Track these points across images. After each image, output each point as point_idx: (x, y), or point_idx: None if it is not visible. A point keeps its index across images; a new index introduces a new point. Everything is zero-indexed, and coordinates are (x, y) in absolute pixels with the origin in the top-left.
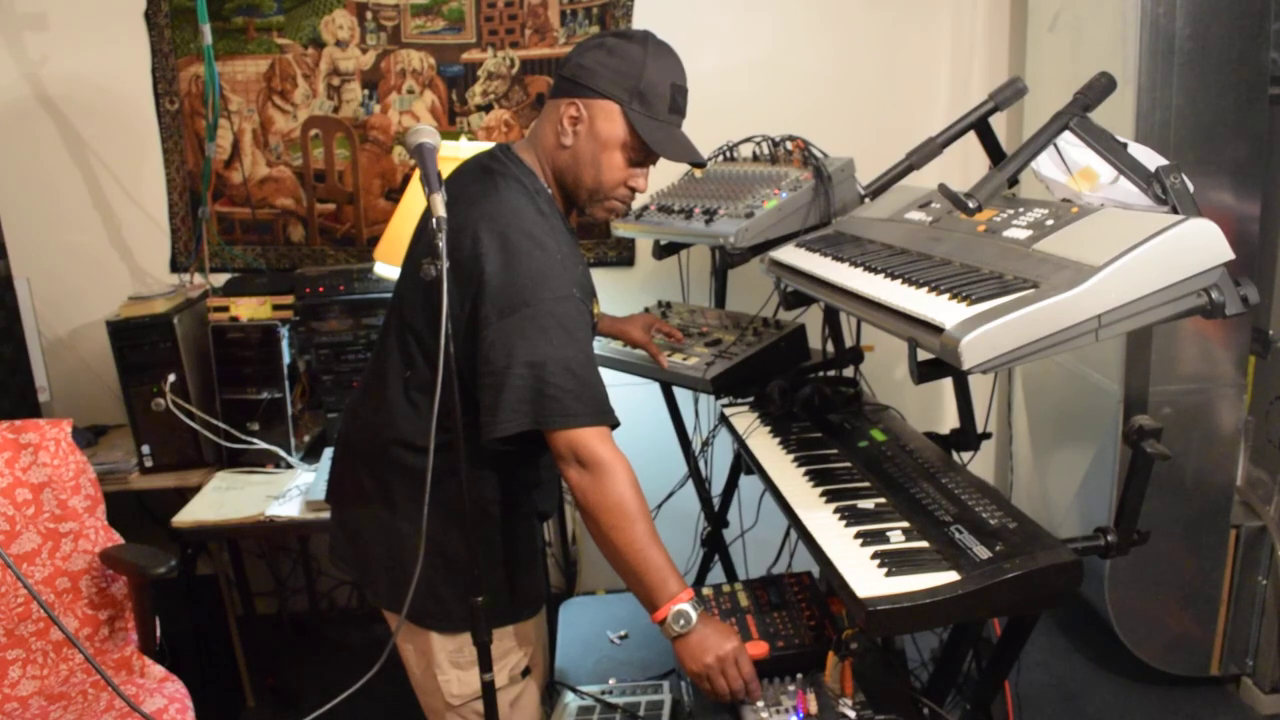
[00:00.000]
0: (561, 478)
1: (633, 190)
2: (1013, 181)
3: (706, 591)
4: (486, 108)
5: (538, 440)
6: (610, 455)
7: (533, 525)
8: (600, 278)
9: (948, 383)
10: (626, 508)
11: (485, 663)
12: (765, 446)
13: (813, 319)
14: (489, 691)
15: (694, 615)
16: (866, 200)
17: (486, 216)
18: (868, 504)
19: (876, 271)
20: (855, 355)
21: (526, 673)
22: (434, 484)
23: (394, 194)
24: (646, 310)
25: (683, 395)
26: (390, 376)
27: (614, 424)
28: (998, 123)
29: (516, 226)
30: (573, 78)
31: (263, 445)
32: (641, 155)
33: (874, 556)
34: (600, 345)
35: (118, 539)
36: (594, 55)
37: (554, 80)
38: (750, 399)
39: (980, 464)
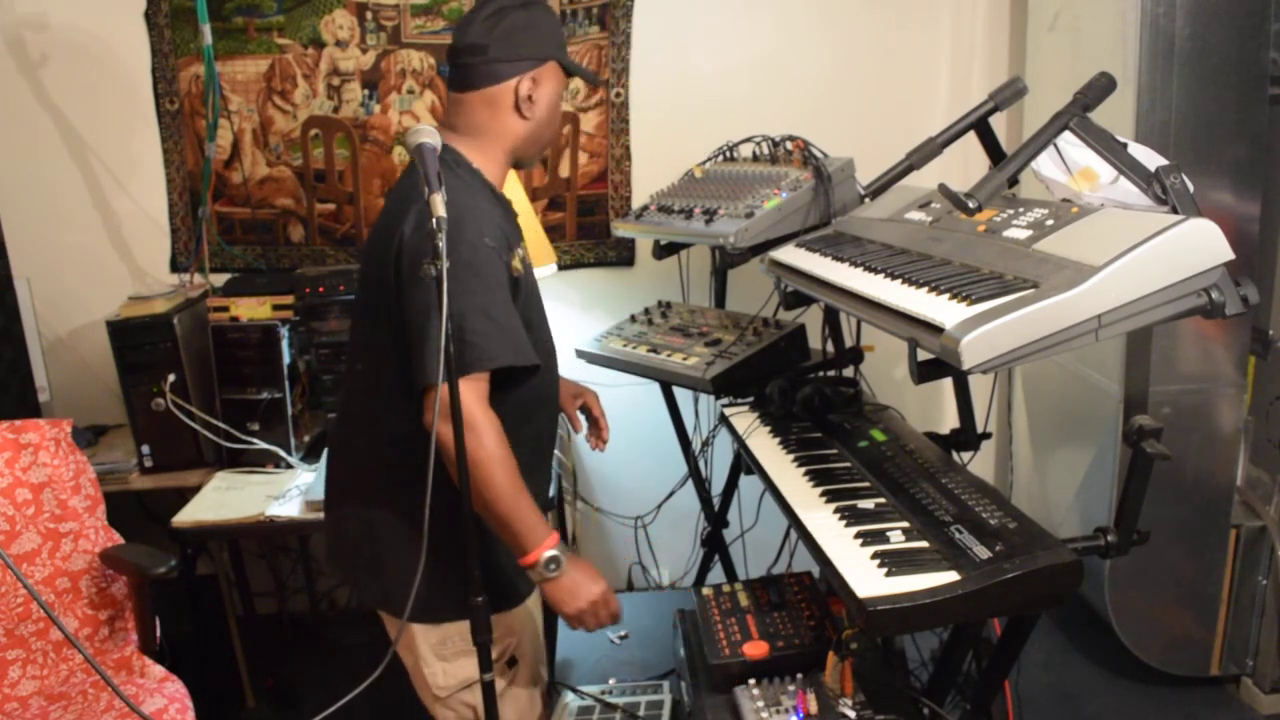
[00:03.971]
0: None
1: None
2: (1013, 181)
3: (706, 591)
4: None
5: (507, 418)
6: (480, 409)
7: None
8: (600, 278)
9: (948, 383)
10: (504, 459)
11: (485, 663)
12: (765, 446)
13: (813, 319)
14: (489, 692)
15: (564, 559)
16: (866, 200)
17: (411, 198)
18: (868, 504)
19: (876, 271)
20: (855, 355)
21: (513, 663)
22: (408, 477)
23: None
24: (646, 310)
25: (683, 395)
26: (353, 372)
27: (529, 363)
28: (998, 123)
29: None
30: (504, 59)
31: (263, 445)
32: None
33: (874, 556)
34: (596, 344)
35: (118, 539)
36: (510, 31)
37: (464, 71)
38: (750, 399)
39: (980, 464)
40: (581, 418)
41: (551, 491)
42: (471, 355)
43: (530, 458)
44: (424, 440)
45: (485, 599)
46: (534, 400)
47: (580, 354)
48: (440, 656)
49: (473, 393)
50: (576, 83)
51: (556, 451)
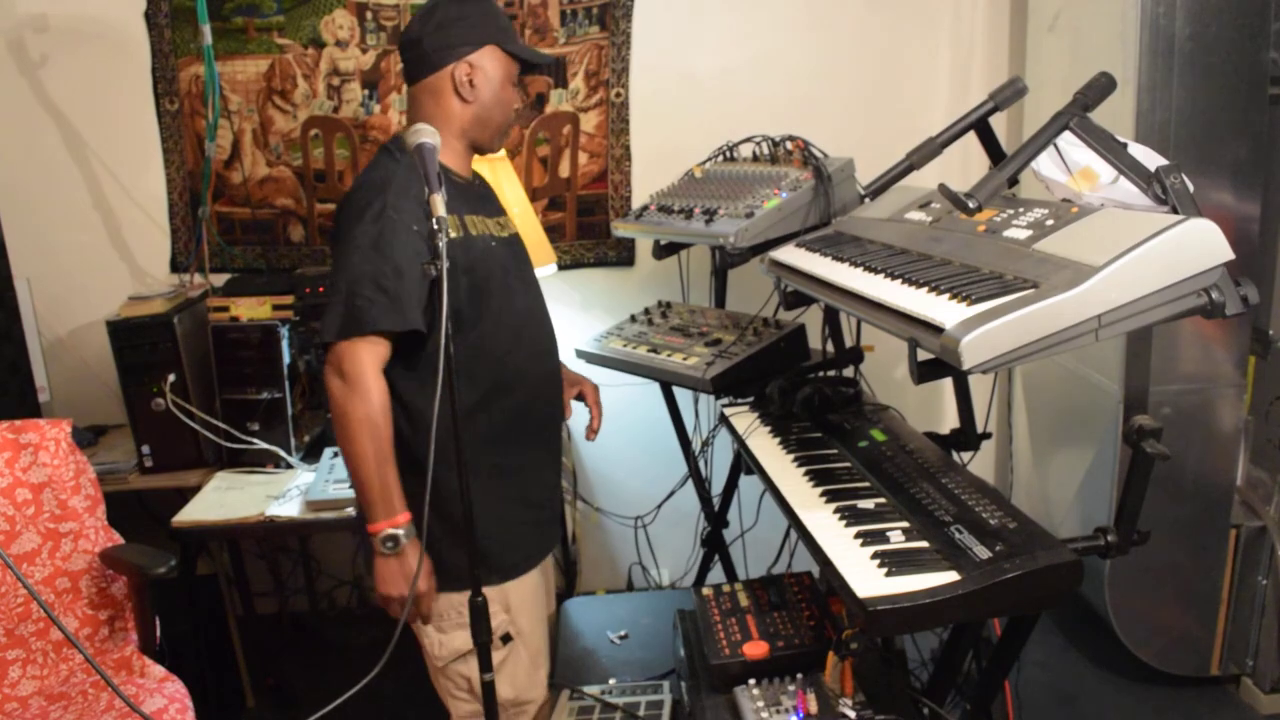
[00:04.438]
0: (527, 433)
1: (518, 112)
2: (1013, 181)
3: (706, 591)
4: None
5: (470, 389)
6: (372, 371)
7: (494, 484)
8: (600, 278)
9: (948, 383)
10: (373, 424)
11: (485, 663)
12: (765, 446)
13: (813, 319)
14: (489, 692)
15: (403, 542)
16: (866, 200)
17: (361, 177)
18: (868, 504)
19: (876, 271)
20: (855, 355)
21: (507, 639)
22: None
23: None
24: (647, 310)
25: (683, 395)
26: None
27: (402, 328)
28: (998, 123)
29: (363, 179)
30: (438, 48)
31: (263, 445)
32: (518, 79)
33: (874, 556)
34: (596, 344)
35: (118, 539)
36: (442, 23)
37: (407, 66)
38: (750, 399)
39: (980, 464)
40: (574, 405)
41: None
42: (355, 319)
43: (507, 431)
44: (406, 411)
45: (484, 600)
46: (510, 373)
47: (580, 354)
48: (437, 628)
49: (367, 355)
50: (577, 82)
51: None
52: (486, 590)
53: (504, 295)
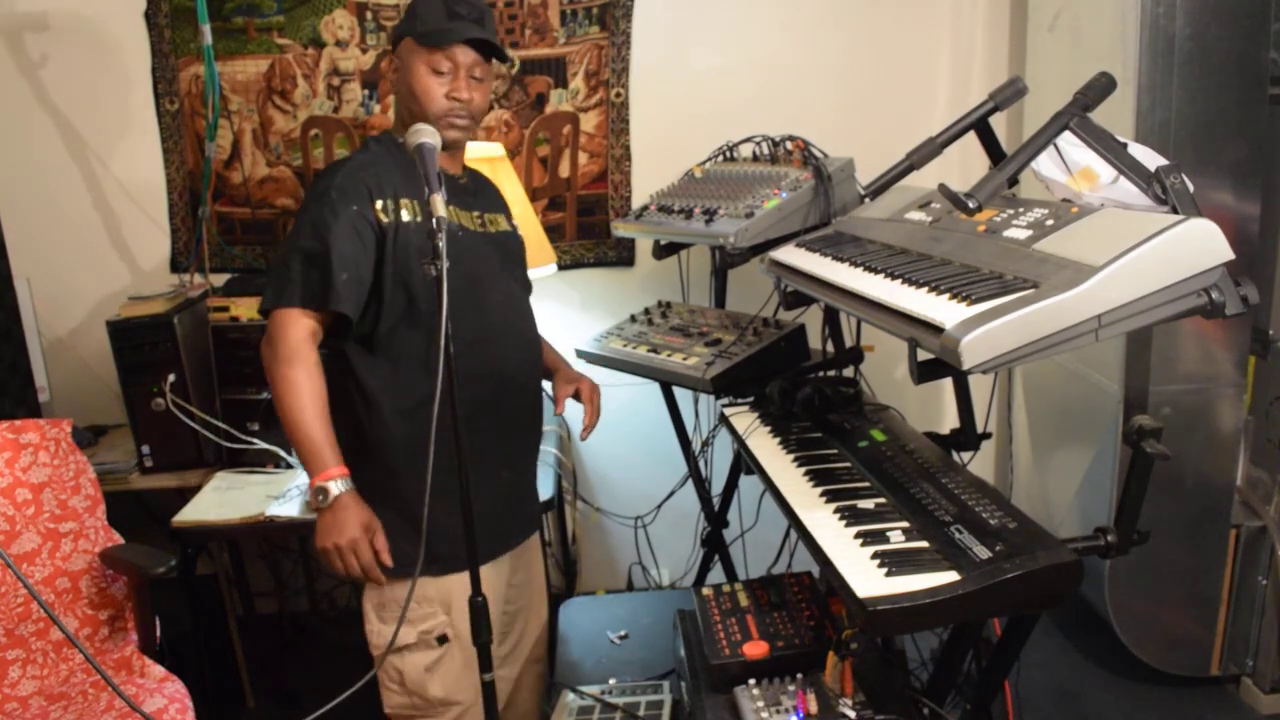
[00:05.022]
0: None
1: (456, 99)
2: (1013, 181)
3: (706, 591)
4: None
5: (425, 378)
6: (296, 340)
7: (438, 475)
8: (600, 278)
9: (948, 383)
10: (297, 384)
11: (485, 663)
12: (765, 446)
13: (813, 319)
14: (489, 691)
15: (333, 494)
16: (866, 200)
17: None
18: (868, 504)
19: (876, 271)
20: (855, 355)
21: (444, 640)
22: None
23: None
24: (646, 310)
25: (683, 395)
26: None
27: (320, 309)
28: (998, 123)
29: (330, 164)
30: (389, 53)
31: (263, 445)
32: (437, 61)
33: (874, 556)
34: (596, 344)
35: (118, 539)
36: (392, 30)
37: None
38: (750, 399)
39: (980, 464)
40: (570, 404)
41: (551, 491)
42: (280, 292)
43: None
44: (363, 395)
45: (483, 599)
46: (466, 367)
47: (580, 354)
48: (380, 617)
49: (293, 324)
50: (577, 82)
51: (556, 451)
52: (439, 589)
53: (467, 288)
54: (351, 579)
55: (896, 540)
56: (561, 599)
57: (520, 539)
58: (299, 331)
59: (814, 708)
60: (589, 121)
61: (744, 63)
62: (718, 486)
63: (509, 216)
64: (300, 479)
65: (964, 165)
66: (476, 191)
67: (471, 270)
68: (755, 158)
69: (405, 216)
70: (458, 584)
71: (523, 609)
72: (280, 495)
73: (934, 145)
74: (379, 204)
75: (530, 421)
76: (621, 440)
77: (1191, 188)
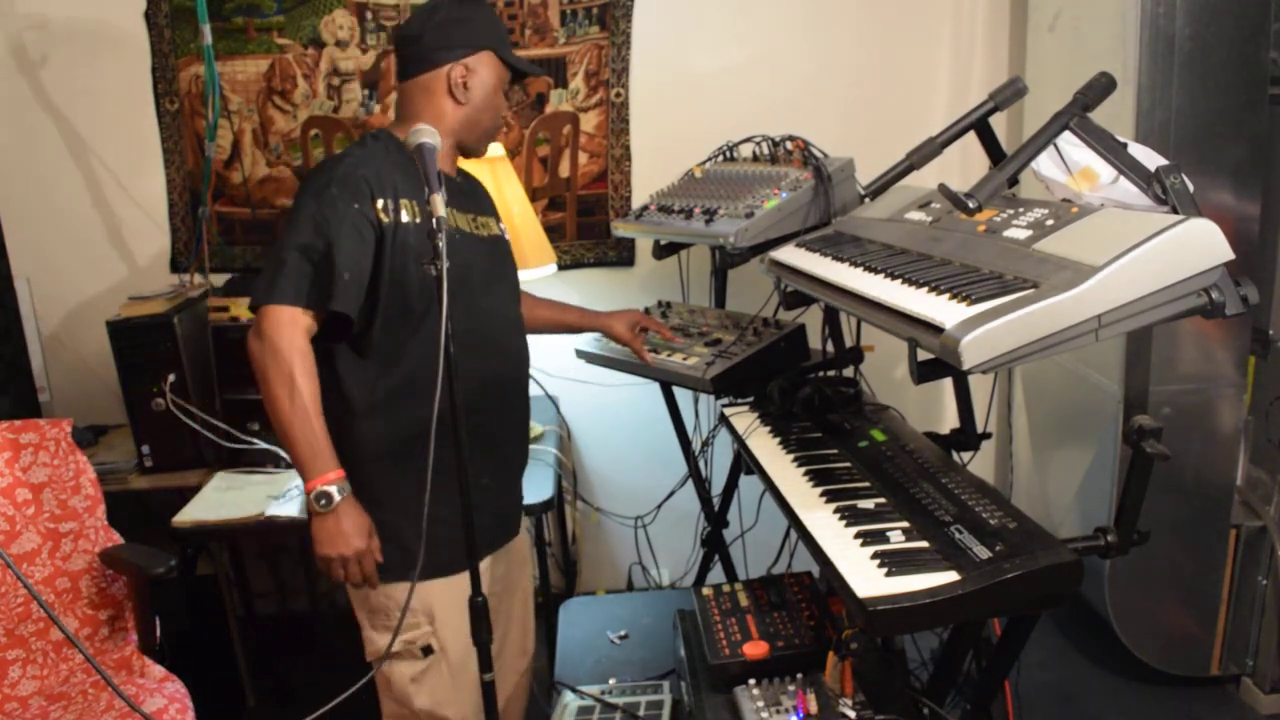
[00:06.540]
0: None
1: (507, 122)
2: (1013, 181)
3: (706, 591)
4: None
5: (390, 375)
6: (293, 338)
7: (412, 479)
8: (600, 278)
9: (948, 383)
10: (292, 382)
11: (485, 663)
12: (765, 446)
13: (813, 319)
14: (489, 691)
15: (336, 499)
16: (866, 200)
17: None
18: (868, 504)
19: (876, 271)
20: (855, 355)
21: (429, 651)
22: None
23: None
24: (646, 310)
25: (683, 395)
26: None
27: (318, 308)
28: (998, 123)
29: (325, 159)
30: (437, 47)
31: (263, 445)
32: (508, 88)
33: (874, 556)
34: (596, 344)
35: (118, 539)
36: (444, 23)
37: (402, 61)
38: (750, 399)
39: (980, 464)
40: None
41: (551, 491)
42: (275, 287)
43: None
44: (345, 399)
45: (484, 599)
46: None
47: (580, 354)
48: (371, 623)
49: (287, 320)
50: (577, 82)
51: (556, 451)
52: (424, 600)
53: (460, 291)
54: (348, 585)
55: (896, 540)
56: (561, 599)
57: (494, 547)
58: (296, 329)
59: (814, 708)
60: (589, 121)
61: (744, 63)
62: (718, 486)
63: (498, 220)
64: (300, 479)
65: (964, 165)
66: (470, 193)
67: (464, 274)
68: (755, 158)
69: (405, 217)
70: (440, 590)
71: (501, 616)
72: (280, 495)
73: (934, 145)
74: (380, 203)
75: (516, 427)
76: (621, 440)
77: (1191, 188)
